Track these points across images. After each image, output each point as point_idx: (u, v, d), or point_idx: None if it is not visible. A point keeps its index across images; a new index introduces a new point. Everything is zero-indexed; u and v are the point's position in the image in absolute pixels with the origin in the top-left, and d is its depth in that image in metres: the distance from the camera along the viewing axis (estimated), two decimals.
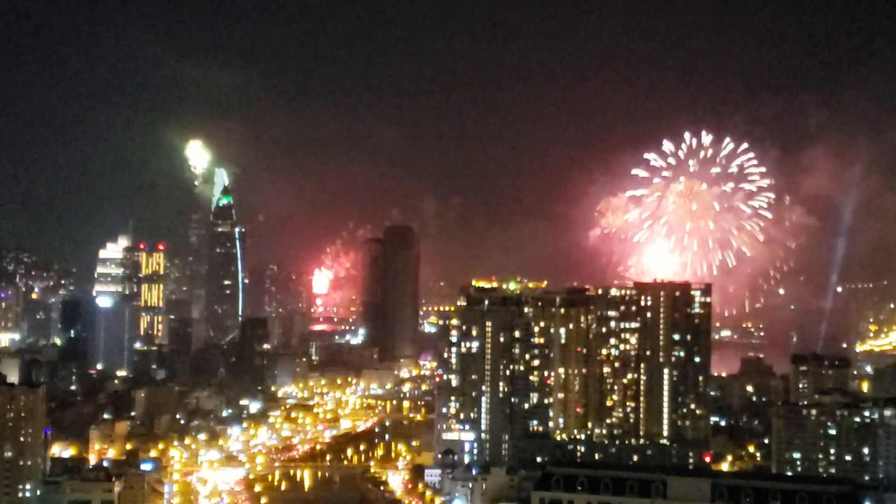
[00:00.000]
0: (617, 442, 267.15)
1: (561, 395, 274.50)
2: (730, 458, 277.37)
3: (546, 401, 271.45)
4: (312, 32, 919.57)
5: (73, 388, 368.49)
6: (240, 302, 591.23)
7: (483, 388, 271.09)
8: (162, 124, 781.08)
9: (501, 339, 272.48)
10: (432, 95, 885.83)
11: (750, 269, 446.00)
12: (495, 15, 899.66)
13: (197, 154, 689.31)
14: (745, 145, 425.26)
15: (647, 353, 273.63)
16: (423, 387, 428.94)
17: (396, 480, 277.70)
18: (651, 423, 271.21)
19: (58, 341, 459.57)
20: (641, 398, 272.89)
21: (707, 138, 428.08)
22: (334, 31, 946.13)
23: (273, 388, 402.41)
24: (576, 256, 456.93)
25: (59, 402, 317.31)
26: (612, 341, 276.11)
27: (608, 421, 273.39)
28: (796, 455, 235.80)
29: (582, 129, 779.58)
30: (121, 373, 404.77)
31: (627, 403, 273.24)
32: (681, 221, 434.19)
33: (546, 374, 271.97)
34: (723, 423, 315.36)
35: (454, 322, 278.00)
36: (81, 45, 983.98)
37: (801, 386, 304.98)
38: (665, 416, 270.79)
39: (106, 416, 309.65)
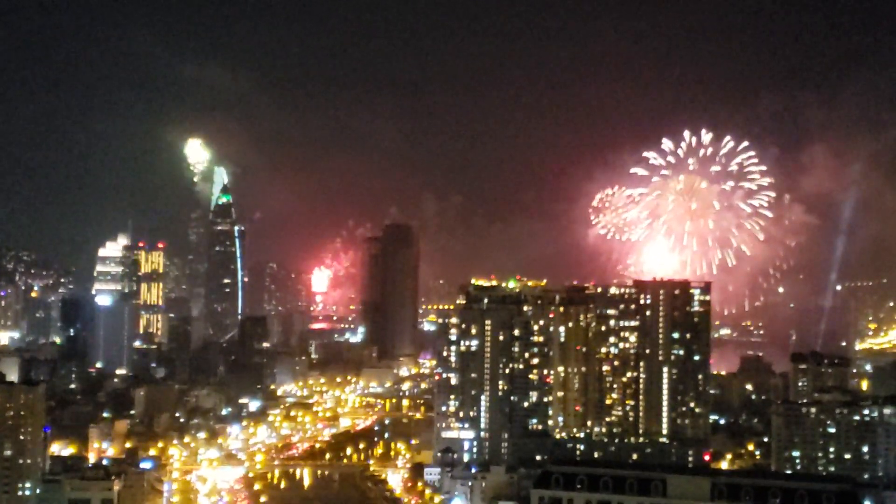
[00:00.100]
0: (616, 440, 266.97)
1: (560, 394, 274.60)
2: (729, 456, 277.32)
3: (545, 399, 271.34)
4: (312, 31, 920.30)
5: (72, 386, 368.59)
6: (239, 300, 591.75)
7: (482, 386, 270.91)
8: (161, 123, 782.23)
9: (501, 338, 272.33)
10: (432, 94, 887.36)
11: (749, 267, 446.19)
12: (495, 13, 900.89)
13: (196, 152, 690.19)
14: (745, 143, 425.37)
15: (647, 351, 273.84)
16: (423, 385, 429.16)
17: (396, 479, 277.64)
18: (650, 422, 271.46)
19: (57, 340, 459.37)
20: (641, 396, 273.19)
21: (707, 136, 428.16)
22: (334, 29, 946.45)
23: (272, 387, 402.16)
24: (575, 255, 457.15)
25: (59, 401, 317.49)
26: (612, 340, 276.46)
27: (607, 419, 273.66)
28: (796, 453, 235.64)
29: (581, 128, 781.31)
30: (120, 371, 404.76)
31: (627, 402, 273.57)
32: (680, 220, 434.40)
33: (545, 372, 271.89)
34: (722, 422, 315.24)
35: (453, 320, 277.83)
36: (80, 45, 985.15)
37: (800, 384, 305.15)
38: (664, 414, 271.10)
39: (105, 414, 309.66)
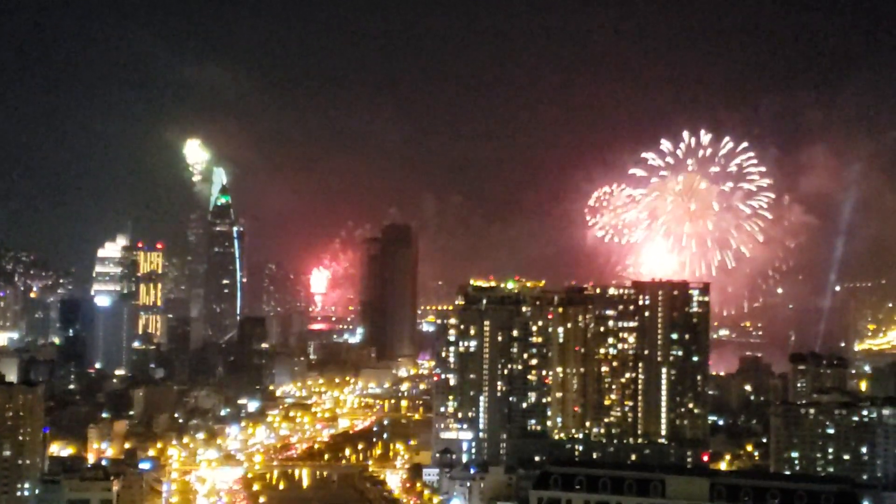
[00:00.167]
0: (615, 441, 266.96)
1: (559, 395, 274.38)
2: (728, 457, 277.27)
3: (544, 400, 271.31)
4: (312, 31, 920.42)
5: (71, 387, 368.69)
6: (238, 301, 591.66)
7: (481, 387, 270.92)
8: (161, 123, 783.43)
9: (499, 339, 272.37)
10: (431, 94, 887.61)
11: (749, 268, 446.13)
12: (494, 13, 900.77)
13: (195, 153, 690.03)
14: (744, 144, 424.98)
15: (646, 352, 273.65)
16: (421, 386, 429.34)
17: (394, 479, 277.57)
18: (649, 423, 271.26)
19: (56, 340, 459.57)
20: (639, 397, 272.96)
21: (706, 137, 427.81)
22: (334, 29, 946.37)
23: (271, 388, 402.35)
24: (574, 256, 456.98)
25: (58, 401, 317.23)
26: (611, 340, 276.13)
27: (606, 420, 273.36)
28: (795, 454, 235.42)
29: (581, 128, 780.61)
30: (119, 372, 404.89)
31: (625, 403, 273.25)
32: (679, 221, 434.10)
33: (544, 373, 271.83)
34: (721, 423, 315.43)
35: (452, 321, 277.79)
36: (80, 45, 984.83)
37: (799, 385, 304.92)
38: (663, 415, 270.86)
39: (104, 415, 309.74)
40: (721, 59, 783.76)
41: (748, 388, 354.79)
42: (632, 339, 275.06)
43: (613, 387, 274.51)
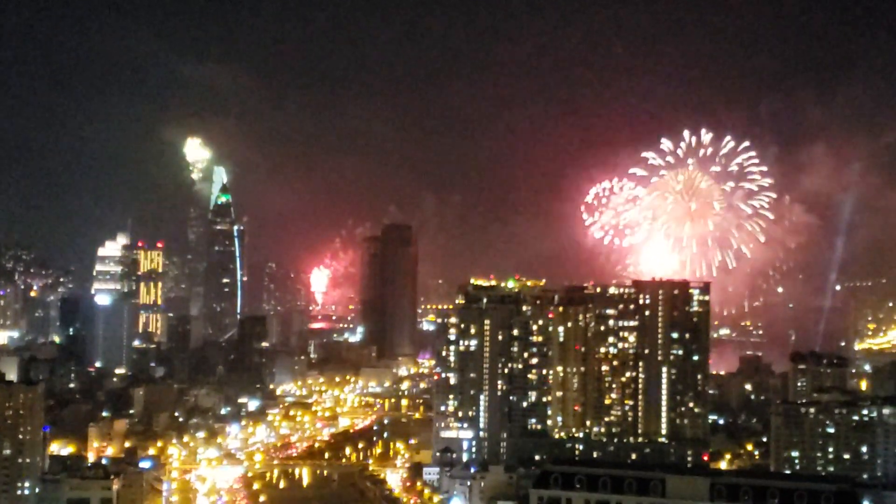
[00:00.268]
0: (615, 440, 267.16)
1: (559, 394, 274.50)
2: (728, 456, 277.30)
3: (544, 399, 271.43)
4: (311, 31, 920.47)
5: (71, 385, 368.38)
6: (238, 300, 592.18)
7: (481, 386, 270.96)
8: (161, 122, 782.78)
9: (500, 338, 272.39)
10: (431, 94, 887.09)
11: (749, 268, 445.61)
12: (494, 13, 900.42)
13: (196, 152, 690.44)
14: (745, 143, 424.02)
15: (646, 351, 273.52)
16: (422, 385, 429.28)
17: (395, 478, 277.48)
18: (649, 422, 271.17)
19: (56, 339, 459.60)
20: (640, 396, 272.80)
21: (707, 136, 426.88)
22: (333, 29, 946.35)
23: (272, 386, 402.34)
24: (574, 255, 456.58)
25: (58, 400, 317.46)
26: (611, 340, 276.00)
27: (606, 419, 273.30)
28: (795, 453, 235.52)
29: (581, 127, 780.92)
30: (119, 371, 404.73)
31: (626, 402, 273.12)
32: (680, 221, 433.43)
33: (544, 372, 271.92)
34: (721, 422, 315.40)
35: (453, 320, 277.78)
36: (80, 44, 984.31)
37: (799, 384, 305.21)
38: (663, 414, 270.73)
39: (104, 413, 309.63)
40: (722, 59, 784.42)
41: (748, 387, 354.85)
42: (632, 339, 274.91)
43: (614, 386, 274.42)
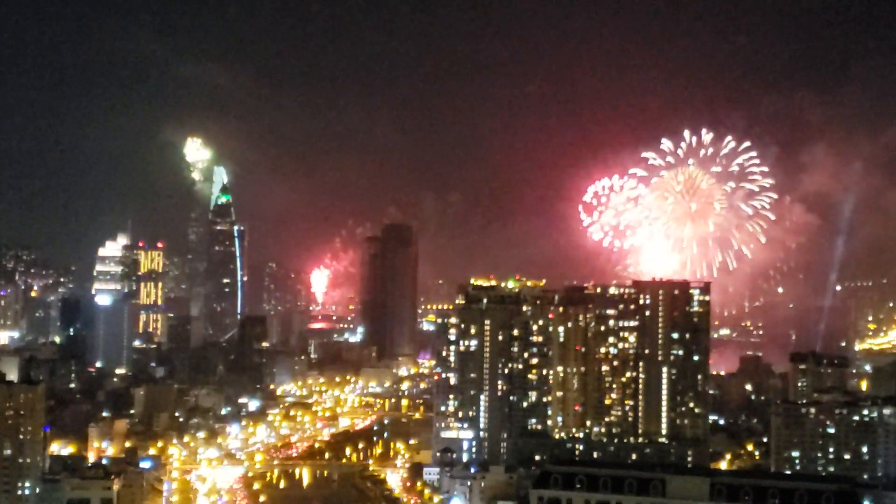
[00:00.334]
0: (615, 440, 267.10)
1: (559, 394, 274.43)
2: (728, 456, 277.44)
3: (545, 399, 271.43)
4: (311, 31, 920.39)
5: (72, 385, 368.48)
6: (238, 300, 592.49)
7: (482, 386, 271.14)
8: (161, 122, 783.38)
9: (500, 338, 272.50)
10: (430, 93, 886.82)
11: (750, 269, 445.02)
12: (494, 12, 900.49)
13: (196, 152, 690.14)
14: (746, 143, 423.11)
15: (646, 351, 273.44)
16: (422, 385, 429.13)
17: (395, 479, 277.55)
18: (650, 422, 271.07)
19: (57, 339, 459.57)
20: (640, 397, 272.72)
21: (707, 136, 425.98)
22: (333, 29, 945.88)
23: (272, 387, 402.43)
24: (574, 255, 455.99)
25: (59, 400, 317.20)
26: (611, 340, 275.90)
27: (607, 419, 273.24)
28: (795, 454, 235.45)
29: (581, 127, 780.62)
30: (120, 371, 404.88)
31: (626, 402, 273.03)
32: (680, 221, 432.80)
33: (545, 372, 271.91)
34: (721, 422, 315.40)
35: (453, 320, 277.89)
36: (80, 44, 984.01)
37: (800, 384, 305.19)
38: (664, 414, 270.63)
39: (105, 413, 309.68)
40: (721, 59, 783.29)
41: (749, 387, 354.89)
42: (632, 339, 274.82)
43: (614, 386, 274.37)
